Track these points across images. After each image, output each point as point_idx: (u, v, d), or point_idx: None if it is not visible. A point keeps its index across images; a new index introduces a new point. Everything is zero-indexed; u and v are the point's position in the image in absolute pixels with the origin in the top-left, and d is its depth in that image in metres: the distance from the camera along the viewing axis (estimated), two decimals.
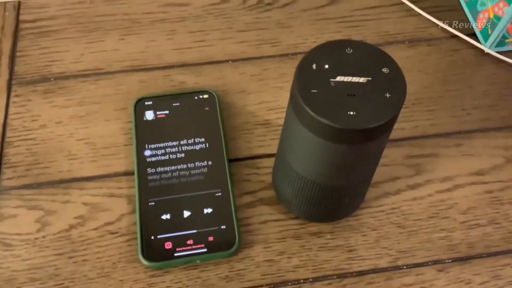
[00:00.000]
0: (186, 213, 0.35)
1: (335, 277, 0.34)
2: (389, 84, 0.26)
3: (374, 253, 0.34)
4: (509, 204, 0.37)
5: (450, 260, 0.34)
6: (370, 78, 0.26)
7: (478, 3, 0.43)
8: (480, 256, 0.35)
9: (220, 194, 0.35)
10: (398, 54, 0.43)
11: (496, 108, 0.41)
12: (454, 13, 0.46)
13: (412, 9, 0.46)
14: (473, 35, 0.45)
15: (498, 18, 0.41)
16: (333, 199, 0.31)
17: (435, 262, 0.34)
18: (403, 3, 0.46)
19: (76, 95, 0.41)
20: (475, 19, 0.44)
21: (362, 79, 0.26)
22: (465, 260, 0.34)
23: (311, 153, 0.28)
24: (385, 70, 0.26)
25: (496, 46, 0.43)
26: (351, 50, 0.27)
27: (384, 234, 0.35)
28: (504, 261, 0.34)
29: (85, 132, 0.39)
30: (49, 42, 0.43)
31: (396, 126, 0.40)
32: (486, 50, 0.43)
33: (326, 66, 0.26)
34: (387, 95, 0.26)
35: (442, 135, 0.40)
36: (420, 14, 0.46)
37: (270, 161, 0.38)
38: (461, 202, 0.37)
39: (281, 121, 0.40)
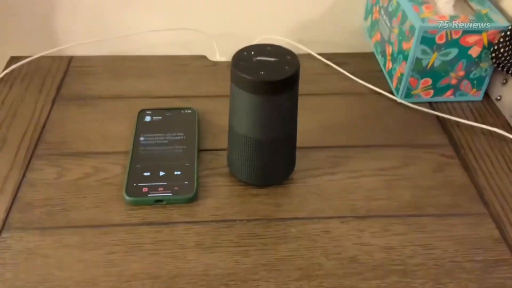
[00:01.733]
0: (162, 173, 0.48)
1: (264, 220, 0.45)
2: (288, 63, 0.42)
3: (295, 209, 0.46)
4: (402, 189, 0.49)
5: (351, 217, 0.46)
6: (277, 59, 0.42)
7: (392, 69, 0.61)
8: (375, 216, 0.46)
9: (188, 165, 0.49)
10: (336, 101, 0.60)
11: (401, 134, 0.55)
12: (380, 80, 0.63)
13: (349, 77, 0.63)
14: (391, 92, 0.61)
15: (403, 74, 0.58)
16: (263, 156, 0.45)
17: (340, 217, 0.46)
18: (342, 72, 0.64)
19: (100, 108, 0.57)
20: (391, 80, 0.61)
21: (273, 59, 0.42)
22: (363, 218, 0.46)
23: (241, 107, 0.42)
24: (288, 57, 0.42)
25: (405, 97, 0.59)
26: (270, 48, 0.43)
27: (305, 199, 0.47)
28: (393, 221, 0.46)
29: (102, 128, 0.55)
30: (88, 79, 0.62)
31: (322, 140, 0.54)
32: (399, 100, 0.59)
33: (252, 53, 0.43)
34: (286, 67, 0.41)
35: (356, 146, 0.53)
36: (354, 79, 0.63)
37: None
38: (365, 184, 0.49)
39: None
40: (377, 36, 0.66)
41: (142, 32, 0.68)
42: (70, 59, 0.65)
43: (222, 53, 0.69)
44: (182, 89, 0.61)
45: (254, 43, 0.68)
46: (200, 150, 0.52)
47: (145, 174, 0.48)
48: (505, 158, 0.52)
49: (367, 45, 0.69)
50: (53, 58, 0.65)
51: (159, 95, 0.60)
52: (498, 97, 0.62)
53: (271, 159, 0.45)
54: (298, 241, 0.44)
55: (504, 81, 0.61)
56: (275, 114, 0.42)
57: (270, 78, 0.40)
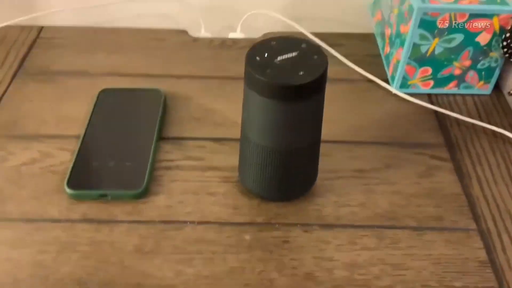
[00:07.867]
0: (112, 163, 0.43)
1: (217, 224, 0.40)
2: (313, 59, 0.35)
3: (254, 213, 0.41)
4: (379, 195, 0.43)
5: (316, 225, 0.40)
6: (299, 53, 0.36)
7: (390, 54, 0.53)
8: (343, 226, 0.40)
9: (143, 155, 0.44)
10: None
11: (391, 129, 0.48)
12: (376, 66, 0.56)
13: (342, 61, 0.57)
14: (387, 81, 0.54)
15: (399, 61, 0.51)
16: (279, 169, 0.39)
17: (303, 225, 0.40)
18: (334, 55, 0.57)
19: (61, 86, 0.52)
20: (388, 67, 0.54)
21: (294, 54, 0.36)
22: (330, 227, 0.40)
23: (264, 118, 0.36)
24: (313, 53, 0.36)
25: (401, 87, 0.52)
26: (274, 42, 0.37)
27: (266, 200, 0.42)
28: (363, 233, 0.40)
29: (59, 108, 0.50)
30: (54, 52, 0.57)
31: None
32: (394, 91, 0.52)
33: (266, 55, 0.36)
34: (315, 57, 0.35)
35: (340, 142, 0.47)
36: (346, 63, 0.56)
37: (194, 143, 0.47)
38: (339, 188, 0.43)
39: (214, 118, 0.49)
40: (378, 16, 0.58)
41: (120, 2, 0.62)
42: (40, 29, 0.60)
43: (208, 29, 0.63)
44: (154, 67, 0.55)
45: (244, 18, 0.62)
46: (161, 138, 0.47)
47: (94, 163, 0.43)
48: (507, 164, 0.45)
49: (369, 25, 0.62)
50: (21, 28, 0.60)
51: (128, 72, 0.54)
52: (511, 92, 0.54)
53: (287, 172, 0.39)
54: (251, 250, 0.39)
55: None
56: (299, 121, 0.37)
57: (294, 81, 0.34)
